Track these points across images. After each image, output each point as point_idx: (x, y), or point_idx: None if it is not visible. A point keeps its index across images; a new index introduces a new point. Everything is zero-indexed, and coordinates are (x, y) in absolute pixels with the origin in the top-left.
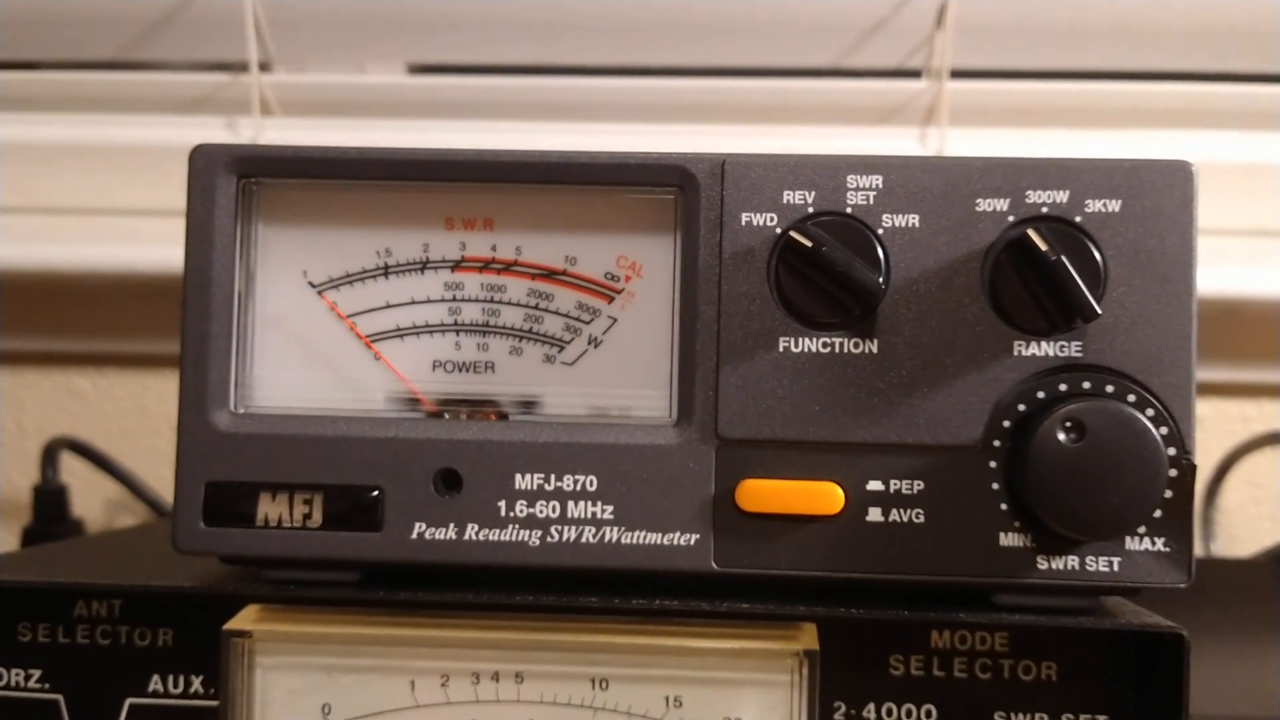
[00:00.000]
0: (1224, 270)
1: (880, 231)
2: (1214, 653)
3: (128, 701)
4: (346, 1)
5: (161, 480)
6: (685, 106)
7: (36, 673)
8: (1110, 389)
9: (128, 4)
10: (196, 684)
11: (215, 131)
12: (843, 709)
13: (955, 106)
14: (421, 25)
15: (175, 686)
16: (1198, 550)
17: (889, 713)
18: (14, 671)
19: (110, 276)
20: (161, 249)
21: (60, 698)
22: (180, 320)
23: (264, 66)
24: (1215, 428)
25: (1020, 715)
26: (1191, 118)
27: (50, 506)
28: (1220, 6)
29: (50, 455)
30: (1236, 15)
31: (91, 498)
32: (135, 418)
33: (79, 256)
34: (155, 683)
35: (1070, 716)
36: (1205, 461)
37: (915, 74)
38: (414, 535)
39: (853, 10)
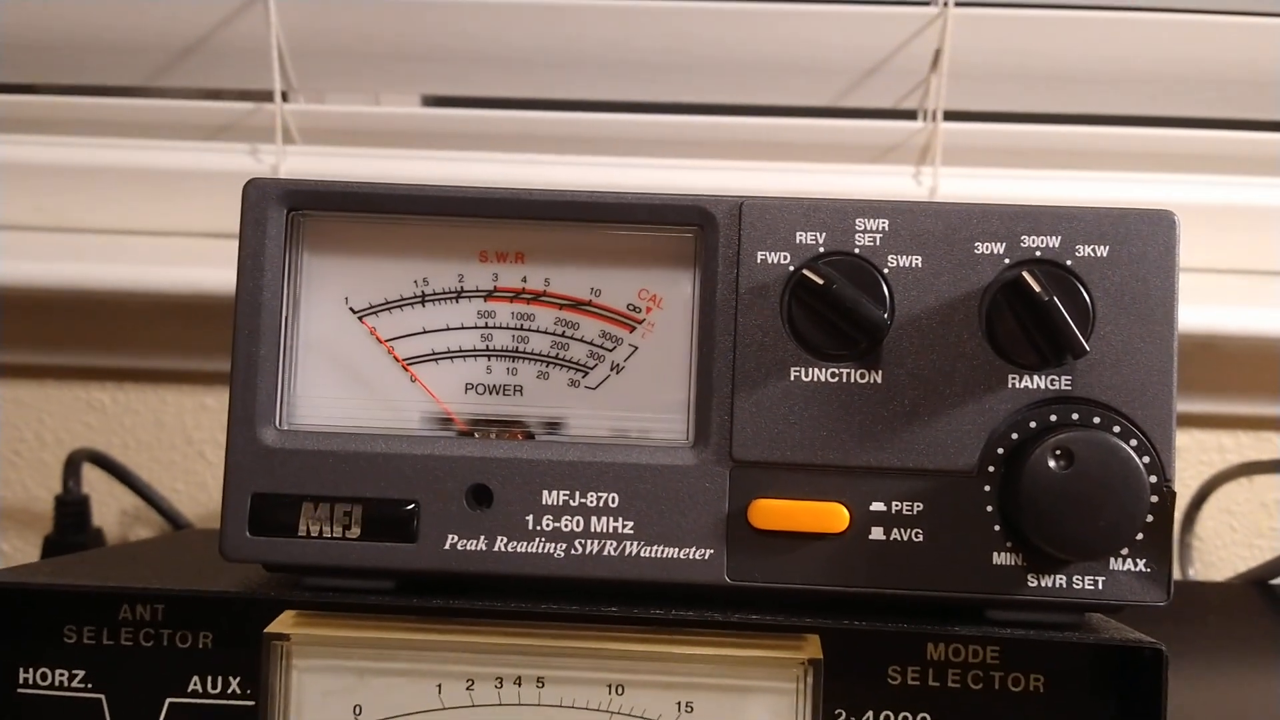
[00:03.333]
0: (1202, 307)
1: (886, 271)
2: (1192, 669)
3: (168, 701)
4: (364, 35)
5: (177, 493)
6: (689, 142)
7: (80, 673)
8: (1097, 420)
9: (156, 33)
10: (234, 685)
11: (238, 158)
12: (843, 716)
13: (949, 147)
14: (436, 59)
15: (214, 687)
16: (1175, 576)
17: None
18: (58, 672)
19: (132, 295)
20: (183, 269)
21: (102, 697)
22: (231, 342)
23: (285, 96)
24: (1193, 458)
25: None
26: (1173, 161)
27: (71, 516)
28: (1204, 56)
29: (73, 466)
30: (1220, 65)
31: (107, 508)
32: (153, 431)
33: (103, 275)
34: (195, 683)
35: None
36: (1183, 491)
37: (911, 115)
38: (447, 546)
39: (852, 53)
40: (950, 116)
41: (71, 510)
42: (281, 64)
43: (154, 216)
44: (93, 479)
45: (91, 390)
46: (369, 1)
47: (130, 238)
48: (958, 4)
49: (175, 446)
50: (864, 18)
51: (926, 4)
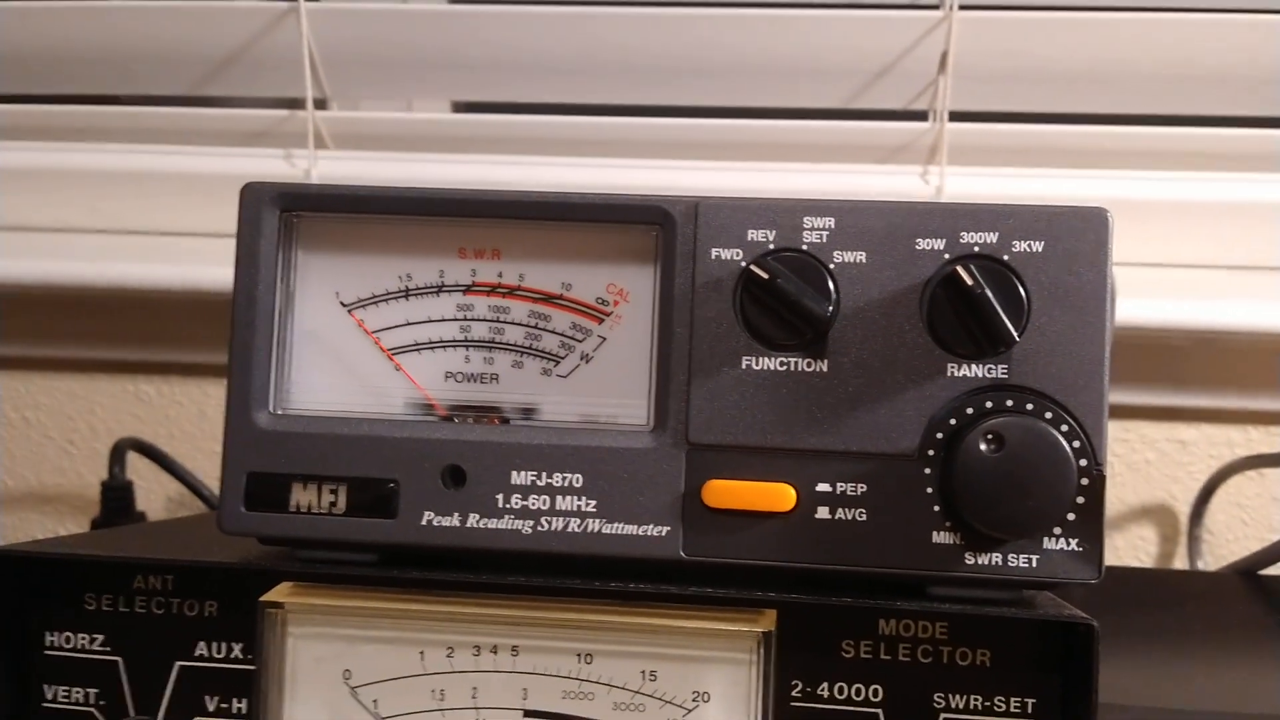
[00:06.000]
0: (1202, 303)
1: (832, 266)
2: (1164, 652)
3: (177, 664)
4: (396, 44)
5: (217, 480)
6: (706, 144)
7: (100, 637)
8: (1030, 406)
9: (196, 45)
10: (236, 650)
11: (274, 163)
12: (799, 687)
13: (956, 146)
14: (464, 67)
15: (218, 652)
16: (1184, 567)
17: (840, 691)
18: (80, 636)
19: (176, 293)
20: (223, 269)
21: (120, 659)
22: (229, 333)
23: (319, 103)
24: (1201, 452)
25: (957, 696)
26: (1177, 159)
27: (117, 501)
28: (1208, 55)
29: (118, 454)
30: (1224, 63)
31: (154, 495)
32: (195, 422)
33: (149, 274)
34: (201, 648)
35: (1002, 698)
36: (1191, 485)
37: (922, 115)
38: (424, 522)
39: (862, 56)
40: (958, 117)
41: (116, 495)
42: (314, 72)
43: (196, 219)
44: (140, 467)
45: (139, 383)
46: (400, 12)
47: (175, 238)
48: (962, 7)
49: (217, 437)
50: (872, 21)
51: (933, 8)
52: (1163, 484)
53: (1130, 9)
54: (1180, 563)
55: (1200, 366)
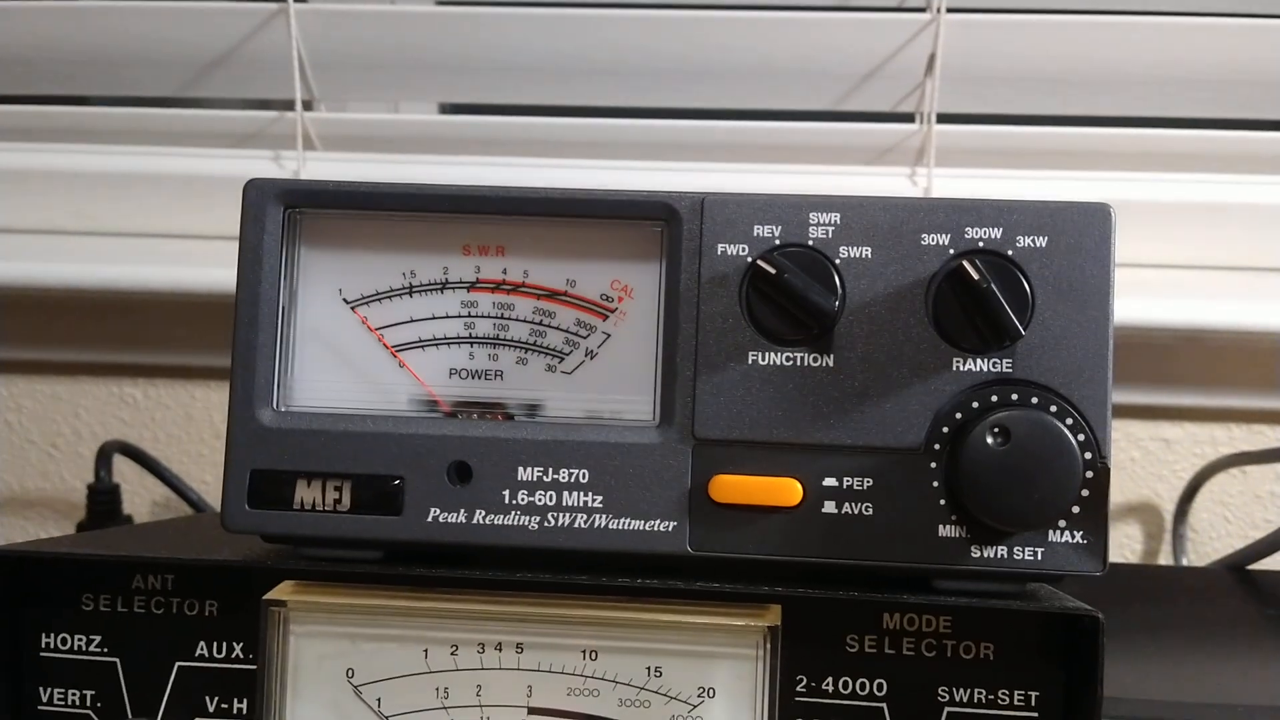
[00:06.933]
0: (1186, 301)
1: (838, 261)
2: (1158, 644)
3: (177, 665)
4: (383, 46)
5: (203, 484)
6: (692, 146)
7: (97, 638)
8: (1035, 400)
9: (185, 47)
10: (238, 650)
11: (262, 165)
12: (804, 681)
13: (944, 148)
14: (451, 69)
15: (219, 652)
16: (1168, 564)
17: (845, 686)
18: (77, 637)
19: (163, 295)
20: (210, 270)
21: (117, 661)
22: (232, 330)
23: (307, 105)
24: (1185, 450)
25: (961, 690)
26: (1161, 160)
27: (103, 504)
28: (1192, 57)
29: (104, 456)
30: (1208, 65)
31: (139, 498)
32: (181, 425)
33: (136, 276)
34: (202, 648)
35: (1006, 692)
36: (1176, 482)
37: (910, 118)
38: (429, 519)
39: (851, 59)
40: (945, 119)
41: (103, 498)
42: (303, 74)
43: (183, 221)
44: (126, 471)
45: (124, 386)
46: (387, 13)
47: (162, 240)
48: (950, 9)
49: (204, 440)
50: (860, 24)
51: (921, 10)
52: (1147, 482)
53: (1116, 12)
54: (1165, 560)
55: (1184, 365)
